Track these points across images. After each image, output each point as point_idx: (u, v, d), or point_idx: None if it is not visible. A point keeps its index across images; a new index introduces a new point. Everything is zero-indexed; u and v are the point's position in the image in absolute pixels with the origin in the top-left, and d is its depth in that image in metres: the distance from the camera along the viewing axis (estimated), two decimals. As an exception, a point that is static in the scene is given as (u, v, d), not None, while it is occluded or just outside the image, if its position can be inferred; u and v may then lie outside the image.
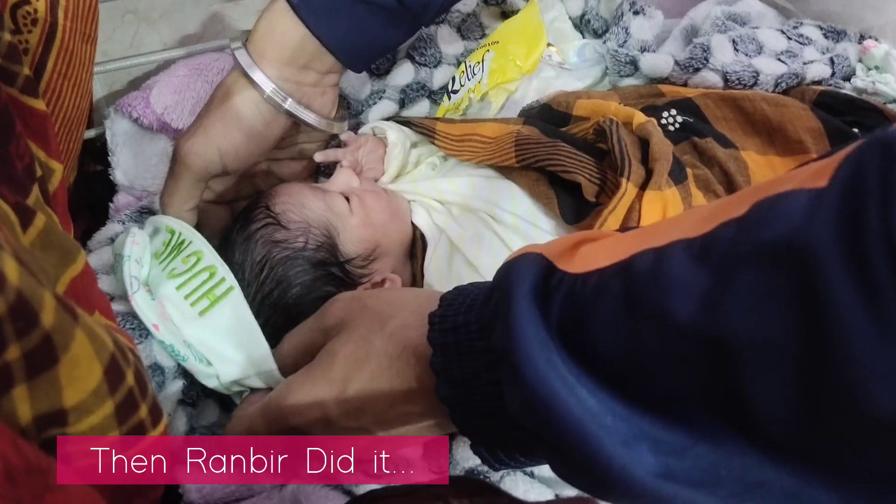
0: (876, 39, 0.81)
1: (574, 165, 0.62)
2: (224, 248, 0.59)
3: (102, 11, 0.63)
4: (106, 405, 0.29)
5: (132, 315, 0.54)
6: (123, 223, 0.62)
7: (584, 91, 0.75)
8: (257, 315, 0.54)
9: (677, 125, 0.70)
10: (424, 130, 0.69)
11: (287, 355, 0.52)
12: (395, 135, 0.68)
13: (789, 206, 0.27)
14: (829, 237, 0.25)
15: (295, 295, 0.57)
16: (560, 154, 0.62)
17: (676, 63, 0.75)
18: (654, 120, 0.66)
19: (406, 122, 0.70)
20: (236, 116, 0.59)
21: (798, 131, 0.68)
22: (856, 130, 0.70)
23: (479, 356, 0.38)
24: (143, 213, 0.63)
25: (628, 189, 0.59)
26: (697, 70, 0.74)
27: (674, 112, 0.70)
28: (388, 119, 0.74)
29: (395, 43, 0.66)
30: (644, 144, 0.64)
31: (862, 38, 0.82)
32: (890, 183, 0.24)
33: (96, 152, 0.70)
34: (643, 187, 0.60)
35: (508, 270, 0.36)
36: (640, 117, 0.65)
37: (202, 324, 0.53)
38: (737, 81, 0.73)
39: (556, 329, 0.34)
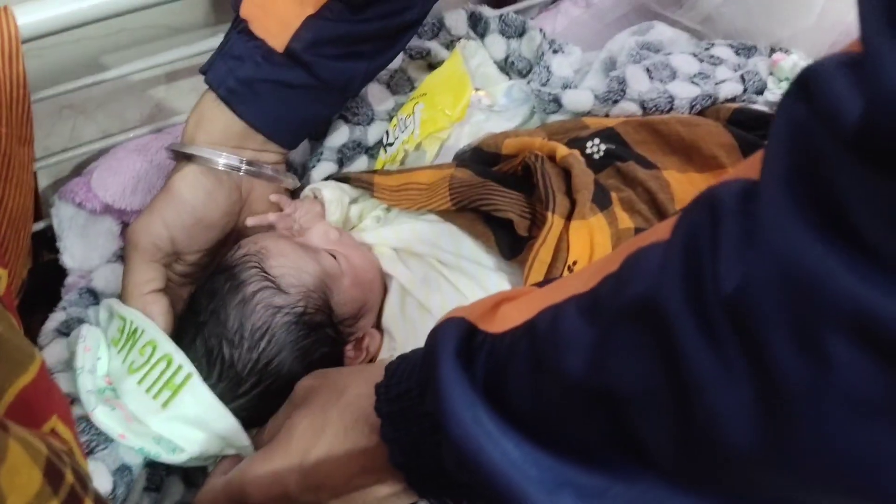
0: (786, 51, 0.85)
1: (505, 203, 0.65)
2: (202, 309, 0.58)
3: (39, 109, 0.66)
4: (51, 504, 0.31)
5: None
6: (65, 309, 0.63)
7: (512, 130, 0.78)
8: (258, 380, 0.55)
9: (601, 153, 0.73)
10: (363, 185, 0.71)
11: (269, 437, 0.52)
12: (331, 192, 0.70)
13: (646, 260, 0.30)
14: (674, 293, 0.28)
15: (296, 358, 0.57)
16: (491, 194, 0.65)
17: (596, 97, 0.78)
18: (576, 152, 0.69)
19: (345, 179, 0.73)
20: (183, 191, 0.60)
21: (711, 147, 0.71)
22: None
23: (423, 420, 0.40)
24: (83, 295, 0.64)
25: (555, 221, 0.62)
26: (616, 101, 0.78)
27: (597, 141, 0.73)
28: (331, 175, 0.77)
29: (325, 117, 0.69)
30: (568, 176, 0.67)
31: (772, 51, 0.86)
32: (715, 240, 0.27)
33: (47, 242, 0.72)
34: (570, 218, 0.63)
35: (434, 336, 0.39)
36: (562, 150, 0.68)
37: (167, 415, 0.54)
38: (654, 108, 0.77)
39: (482, 386, 0.36)
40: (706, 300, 0.27)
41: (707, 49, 0.85)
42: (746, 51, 0.86)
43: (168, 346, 0.55)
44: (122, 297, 0.60)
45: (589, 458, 0.33)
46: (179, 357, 0.55)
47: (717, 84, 0.79)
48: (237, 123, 0.62)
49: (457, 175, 0.68)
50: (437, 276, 0.65)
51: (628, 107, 0.77)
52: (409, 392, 0.41)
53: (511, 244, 0.65)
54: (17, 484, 0.29)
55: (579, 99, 0.78)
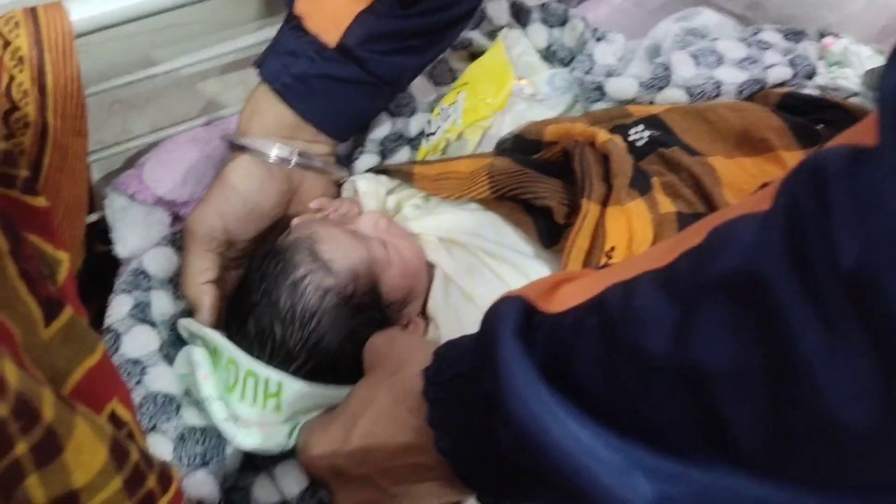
0: (836, 36, 0.84)
1: (544, 191, 0.65)
2: (254, 290, 0.59)
3: (91, 103, 0.67)
4: (115, 481, 0.32)
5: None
6: (129, 292, 0.64)
7: (554, 118, 0.78)
8: (307, 357, 0.57)
9: (645, 140, 0.72)
10: (402, 175, 0.72)
11: None
12: (366, 184, 0.71)
13: (739, 232, 0.28)
14: (778, 264, 0.26)
15: (344, 338, 0.58)
16: (530, 182, 0.65)
17: (641, 84, 0.77)
18: (616, 137, 0.68)
19: (383, 171, 0.73)
20: (235, 182, 0.63)
21: (761, 131, 0.70)
22: (821, 127, 0.72)
23: (474, 404, 0.39)
24: (137, 276, 0.65)
25: (590, 208, 0.62)
26: (661, 88, 0.77)
27: (641, 128, 0.73)
28: (371, 168, 0.77)
29: (376, 111, 0.71)
30: (608, 162, 0.66)
31: (822, 36, 0.84)
32: (826, 210, 0.25)
33: (100, 234, 0.73)
34: (607, 204, 0.63)
35: (492, 315, 0.38)
36: (602, 136, 0.68)
37: (286, 416, 0.57)
38: (701, 94, 0.76)
39: (541, 367, 0.34)
40: (818, 274, 0.25)
41: (755, 34, 0.83)
42: (795, 35, 0.84)
43: (246, 362, 0.57)
44: (180, 283, 0.63)
45: (663, 441, 0.31)
46: (261, 369, 0.56)
47: (765, 69, 0.78)
48: (290, 116, 0.64)
49: (496, 164, 0.68)
50: (481, 265, 0.65)
51: (674, 94, 0.76)
52: (459, 376, 0.40)
53: (550, 232, 0.65)
54: (81, 461, 0.30)
55: (623, 86, 0.78)
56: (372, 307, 0.60)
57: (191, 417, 0.58)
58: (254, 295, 0.59)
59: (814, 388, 0.25)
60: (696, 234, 0.31)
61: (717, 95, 0.76)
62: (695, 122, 0.73)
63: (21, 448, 0.27)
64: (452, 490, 0.46)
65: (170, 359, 0.61)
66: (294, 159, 0.64)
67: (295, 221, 0.67)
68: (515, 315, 0.37)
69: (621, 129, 0.72)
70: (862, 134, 0.25)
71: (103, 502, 0.31)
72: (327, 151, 0.68)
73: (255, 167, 0.63)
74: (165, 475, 0.35)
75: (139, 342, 0.61)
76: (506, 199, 0.66)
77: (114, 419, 0.41)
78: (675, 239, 0.33)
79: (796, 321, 0.25)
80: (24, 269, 0.35)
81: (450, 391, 0.41)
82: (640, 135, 0.72)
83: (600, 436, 0.32)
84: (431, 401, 0.41)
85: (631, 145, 0.70)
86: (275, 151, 0.63)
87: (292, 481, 0.56)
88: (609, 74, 0.80)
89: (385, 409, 0.46)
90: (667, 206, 0.65)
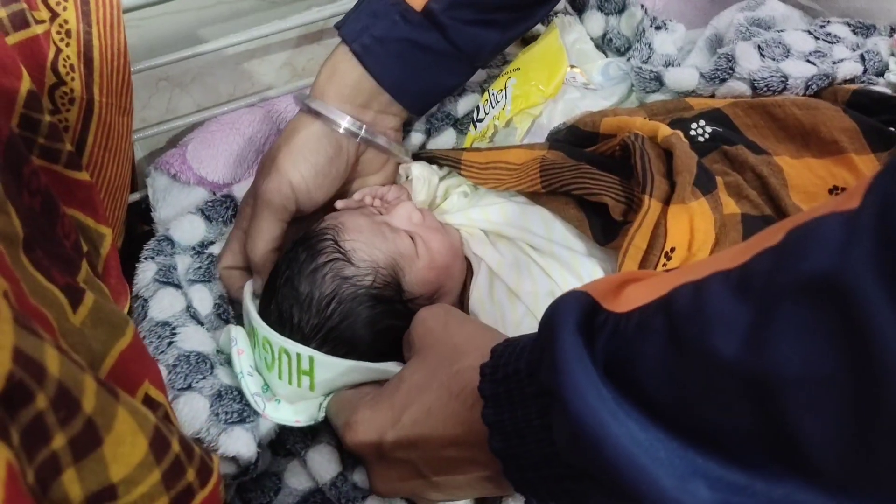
0: (908, 31, 0.79)
1: (599, 187, 0.62)
2: (280, 274, 0.60)
3: (137, 81, 0.66)
4: (153, 474, 0.30)
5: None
6: (153, 258, 0.64)
7: (611, 109, 0.75)
8: (322, 342, 0.57)
9: (707, 135, 0.69)
10: (450, 162, 0.70)
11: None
12: (420, 170, 0.69)
13: (824, 232, 0.26)
14: (867, 267, 0.25)
15: (360, 327, 0.58)
16: (584, 177, 0.62)
17: (702, 75, 0.74)
18: (679, 132, 0.65)
19: (431, 158, 0.71)
20: (308, 154, 0.62)
21: (832, 132, 0.67)
22: (893, 129, 0.68)
23: (531, 402, 0.38)
24: (162, 242, 0.65)
25: (651, 205, 0.59)
26: (724, 80, 0.73)
27: (702, 123, 0.70)
28: (417, 152, 0.75)
29: (450, 86, 0.70)
30: (670, 158, 0.63)
31: (892, 31, 0.80)
32: None
33: (142, 213, 0.73)
34: (669, 202, 0.60)
35: (553, 310, 0.37)
36: (664, 130, 0.65)
37: (320, 393, 0.57)
38: (765, 88, 0.72)
39: (603, 367, 0.33)
40: None
41: (822, 27, 0.79)
42: (864, 30, 0.80)
43: (277, 340, 0.57)
44: (248, 247, 0.63)
45: (728, 450, 0.30)
46: (291, 345, 0.56)
47: (834, 63, 0.74)
48: (366, 80, 0.63)
49: (548, 157, 0.66)
50: (528, 261, 0.63)
51: (737, 86, 0.73)
52: (516, 374, 0.39)
53: (605, 229, 0.62)
54: (120, 453, 0.28)
55: (683, 77, 0.75)
56: (392, 300, 0.60)
57: (226, 377, 0.57)
58: (280, 279, 0.59)
59: None
60: (772, 235, 0.29)
61: (783, 90, 0.73)
62: (760, 118, 0.70)
63: (59, 441, 0.25)
64: (496, 487, 0.45)
65: (197, 319, 0.61)
66: (361, 134, 0.64)
67: (339, 204, 0.66)
68: (578, 311, 0.35)
69: (680, 124, 0.69)
70: None
71: (140, 496, 0.30)
72: (396, 125, 0.68)
73: (326, 138, 0.63)
74: (205, 468, 0.34)
75: (164, 304, 0.60)
76: (558, 193, 0.64)
77: (147, 401, 0.39)
78: (749, 241, 0.31)
79: (885, 329, 0.24)
80: (35, 259, 0.33)
81: (506, 389, 0.40)
82: (701, 129, 0.69)
83: (661, 438, 0.31)
84: (487, 397, 0.40)
85: (692, 140, 0.67)
86: (345, 123, 0.63)
87: (324, 467, 0.55)
88: (668, 64, 0.77)
89: (439, 400, 0.45)
90: (731, 206, 0.62)
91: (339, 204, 0.66)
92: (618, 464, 0.31)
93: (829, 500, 0.28)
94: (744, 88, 0.73)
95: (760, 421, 0.28)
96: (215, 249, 0.66)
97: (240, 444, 0.52)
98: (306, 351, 0.56)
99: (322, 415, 0.57)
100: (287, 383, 0.57)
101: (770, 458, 0.29)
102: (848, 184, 0.65)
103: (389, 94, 0.64)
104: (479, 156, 0.69)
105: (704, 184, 0.62)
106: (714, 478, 0.30)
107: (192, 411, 0.53)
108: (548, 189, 0.63)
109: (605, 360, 0.33)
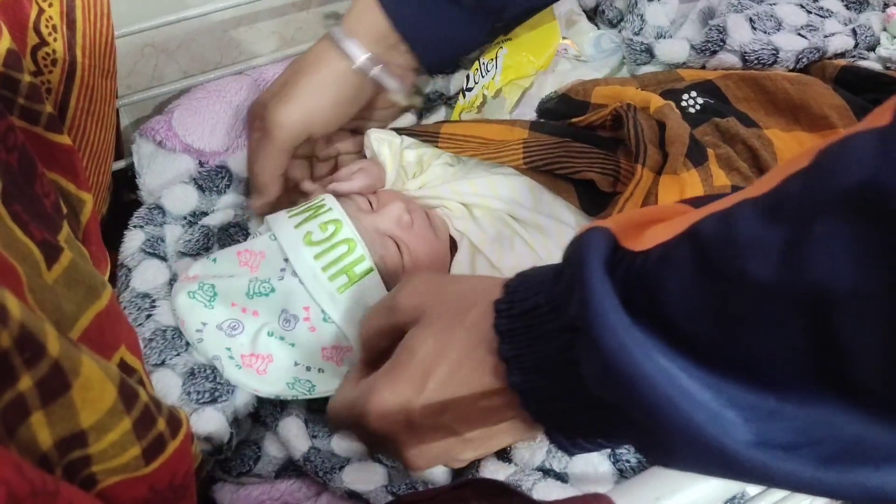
0: (901, 7, 0.79)
1: (584, 164, 0.61)
2: None
3: (122, 46, 0.65)
4: (123, 422, 0.30)
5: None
6: (142, 227, 0.63)
7: (602, 79, 0.74)
8: None
9: (698, 107, 0.69)
10: (428, 136, 0.68)
11: (369, 350, 0.51)
12: (377, 138, 0.68)
13: (857, 148, 0.26)
14: None
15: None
16: (568, 155, 0.62)
17: (692, 47, 0.74)
18: (671, 103, 0.65)
19: (409, 132, 0.69)
20: (327, 85, 0.63)
21: (822, 107, 0.67)
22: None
23: (553, 337, 0.37)
24: (153, 210, 0.64)
25: (644, 175, 0.59)
26: (714, 52, 0.73)
27: (693, 94, 0.69)
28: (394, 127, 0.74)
29: (472, 43, 0.69)
30: (662, 129, 0.63)
31: (886, 6, 0.80)
32: None
33: (128, 182, 0.72)
34: (660, 172, 0.60)
35: (579, 245, 0.36)
36: (657, 101, 0.65)
37: (340, 300, 0.55)
38: (756, 61, 0.72)
39: (622, 302, 0.33)
40: None
41: (815, 1, 0.79)
42: (858, 5, 0.80)
43: (352, 233, 0.56)
44: (251, 169, 0.64)
45: (760, 376, 0.30)
46: (362, 247, 0.56)
47: (825, 37, 0.74)
48: (384, 24, 0.63)
49: (530, 138, 0.65)
50: (511, 235, 0.63)
51: (727, 58, 0.73)
52: (536, 308, 0.38)
53: (594, 199, 0.62)
54: (89, 398, 0.28)
55: (673, 49, 0.74)
56: None
57: (200, 354, 0.56)
58: None
59: None
60: (800, 160, 0.29)
61: (773, 63, 0.72)
62: (751, 90, 0.70)
63: (25, 382, 0.25)
64: (531, 427, 0.44)
65: None
66: (373, 72, 0.64)
67: (331, 187, 0.64)
68: (604, 246, 0.35)
69: (672, 95, 0.69)
70: None
71: (112, 444, 0.30)
72: (411, 74, 0.68)
73: (349, 77, 0.63)
74: (175, 418, 0.33)
75: (148, 275, 0.60)
76: (541, 171, 0.63)
77: (123, 366, 0.39)
78: (775, 169, 0.31)
79: None
80: (14, 212, 0.33)
81: (525, 324, 0.39)
82: (693, 100, 0.69)
83: (691, 372, 0.30)
84: (503, 333, 0.39)
85: (683, 112, 0.67)
86: (361, 60, 0.63)
87: (293, 442, 0.54)
88: (659, 36, 0.77)
89: (463, 355, 0.43)
90: (722, 178, 0.62)
91: (331, 187, 0.64)
92: (650, 400, 0.31)
93: (866, 421, 0.28)
94: (734, 60, 0.73)
95: (801, 339, 0.28)
96: (209, 221, 0.65)
97: (210, 424, 0.52)
98: (370, 260, 0.55)
99: (289, 394, 0.55)
100: (320, 268, 0.55)
101: (810, 378, 0.28)
102: None
103: (403, 36, 0.63)
104: (458, 127, 0.68)
105: (695, 156, 0.62)
106: (747, 406, 0.30)
107: (164, 388, 0.53)
108: (530, 166, 0.63)
109: (624, 298, 0.33)
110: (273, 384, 0.55)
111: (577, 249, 0.36)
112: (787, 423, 0.29)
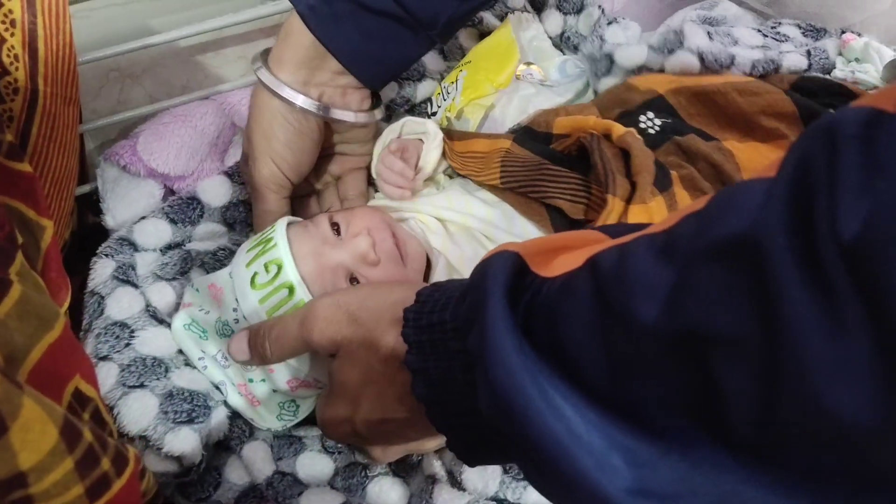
0: (858, 35, 0.81)
1: (555, 190, 0.62)
2: None
3: (87, 71, 0.66)
4: (65, 462, 0.30)
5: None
6: (111, 256, 0.63)
7: (562, 107, 0.75)
8: None
9: (657, 128, 0.69)
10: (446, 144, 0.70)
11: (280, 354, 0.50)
12: (434, 126, 0.69)
13: (743, 198, 0.26)
14: (777, 231, 0.24)
15: None
16: (542, 179, 0.63)
17: (651, 47, 0.75)
18: (633, 130, 0.66)
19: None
20: (276, 129, 0.63)
21: (770, 120, 0.67)
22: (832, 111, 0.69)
23: (455, 356, 0.38)
24: (122, 243, 0.64)
25: (615, 205, 0.59)
26: (672, 51, 0.74)
27: (650, 115, 0.70)
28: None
29: (405, 57, 0.67)
30: (626, 156, 0.64)
31: (843, 33, 0.81)
32: (834, 172, 0.23)
33: (93, 205, 0.72)
34: (629, 201, 0.61)
35: (485, 270, 0.36)
36: (618, 129, 0.65)
37: None
38: (714, 61, 0.72)
39: (524, 331, 0.33)
40: (817, 241, 0.23)
41: (774, 27, 0.80)
42: (815, 32, 0.81)
43: (292, 276, 0.55)
44: (258, 229, 0.65)
45: (644, 421, 0.30)
46: (302, 292, 0.55)
47: (780, 53, 0.75)
48: (315, 45, 0.61)
49: (512, 150, 0.66)
50: (484, 253, 0.64)
51: (686, 58, 0.73)
52: (442, 324, 0.38)
53: (570, 223, 0.63)
54: (28, 440, 0.28)
55: (632, 52, 0.75)
56: None
57: (179, 380, 0.57)
58: None
59: (803, 363, 0.24)
60: (702, 201, 0.29)
61: (730, 65, 0.73)
62: (703, 106, 0.70)
63: (-40, 427, 0.25)
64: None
65: (156, 317, 0.60)
66: (313, 111, 0.63)
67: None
68: (508, 273, 0.35)
69: (630, 117, 0.70)
70: (885, 99, 0.23)
71: (54, 484, 0.30)
72: (356, 86, 0.65)
73: (289, 114, 0.63)
74: (121, 457, 0.34)
75: (124, 303, 0.60)
76: (517, 192, 0.64)
77: (77, 395, 0.39)
78: (682, 208, 0.32)
79: (791, 292, 0.24)
80: None
81: (430, 338, 0.39)
82: (651, 122, 0.70)
83: (581, 411, 0.30)
84: (410, 343, 0.39)
85: (643, 134, 0.68)
86: (299, 102, 0.62)
87: (258, 466, 0.55)
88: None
89: (382, 391, 0.44)
90: (686, 201, 0.63)
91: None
92: (539, 438, 0.30)
93: (739, 466, 0.28)
94: (692, 60, 0.73)
95: (680, 382, 0.28)
96: (196, 247, 0.66)
97: (185, 444, 0.52)
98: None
99: (279, 425, 0.58)
100: (265, 313, 0.55)
101: (688, 423, 0.29)
102: None
103: (336, 58, 0.61)
104: (458, 145, 0.69)
105: (661, 181, 0.63)
106: (632, 451, 0.30)
107: (141, 408, 0.53)
108: (505, 185, 0.63)
109: (526, 324, 0.33)
110: (265, 418, 0.58)
111: (482, 274, 0.36)
112: (669, 471, 0.29)
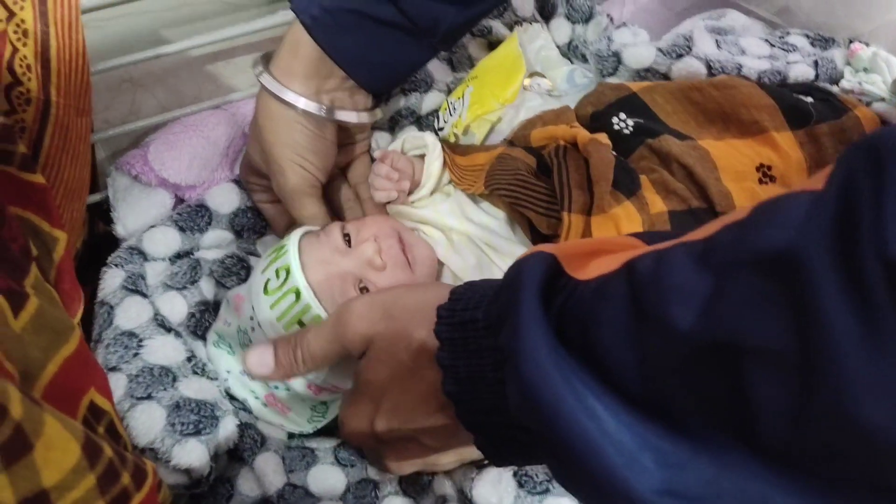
0: (866, 44, 0.81)
1: (529, 200, 0.62)
2: None
3: (100, 81, 0.66)
4: (87, 479, 0.30)
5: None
6: (121, 266, 0.63)
7: (539, 118, 0.74)
8: None
9: (630, 129, 0.69)
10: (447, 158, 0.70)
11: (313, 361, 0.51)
12: (433, 138, 0.70)
13: (788, 209, 0.27)
14: (821, 246, 0.25)
15: None
16: (518, 185, 0.62)
17: (659, 50, 0.74)
18: (599, 136, 0.65)
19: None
20: (295, 135, 0.64)
21: (751, 112, 0.67)
22: (809, 99, 0.69)
23: (485, 354, 0.38)
24: (132, 253, 0.64)
25: (572, 221, 0.59)
26: (680, 56, 0.74)
27: (623, 116, 0.70)
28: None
29: (409, 64, 0.68)
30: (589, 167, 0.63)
31: (851, 42, 0.81)
32: (880, 191, 0.23)
33: (104, 214, 0.72)
34: (591, 212, 0.60)
35: (519, 269, 0.36)
36: (583, 137, 0.65)
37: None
38: (720, 70, 0.73)
39: (556, 332, 0.33)
40: (861, 258, 0.23)
41: (781, 37, 0.81)
42: (823, 42, 0.81)
43: (299, 280, 0.56)
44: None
45: (675, 423, 0.30)
46: (308, 296, 0.55)
47: (787, 63, 0.75)
48: (319, 55, 0.62)
49: (505, 152, 0.66)
50: (490, 264, 0.64)
51: (693, 64, 0.73)
52: (474, 322, 0.39)
53: (541, 238, 0.63)
54: (51, 458, 0.28)
55: (640, 52, 0.75)
56: None
57: (187, 389, 0.57)
58: None
59: (840, 378, 0.24)
60: (741, 212, 0.30)
61: (737, 75, 0.72)
62: (679, 103, 0.70)
63: (-13, 447, 0.25)
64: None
65: (165, 327, 0.60)
66: (319, 114, 0.64)
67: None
68: (543, 274, 0.35)
69: (602, 118, 0.69)
70: None
71: (75, 502, 0.30)
72: (362, 94, 0.67)
73: (307, 122, 0.63)
74: (140, 471, 0.34)
75: (132, 313, 0.60)
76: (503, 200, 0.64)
77: (92, 409, 0.39)
78: (723, 216, 0.31)
79: (830, 305, 0.24)
80: None
81: (462, 336, 0.39)
82: (623, 123, 0.69)
83: (613, 410, 0.31)
84: (442, 340, 0.40)
85: (616, 135, 0.68)
86: (301, 105, 0.63)
87: (270, 477, 0.56)
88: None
89: (409, 389, 0.44)
90: (658, 205, 0.62)
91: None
92: (569, 435, 0.31)
93: (767, 473, 0.28)
94: (699, 67, 0.73)
95: (712, 388, 0.28)
96: (205, 255, 0.66)
97: (193, 456, 0.52)
98: (317, 307, 0.55)
99: (309, 427, 0.59)
100: (275, 319, 0.56)
101: (718, 429, 0.29)
102: (773, 161, 0.66)
103: (339, 67, 0.62)
104: (461, 160, 0.70)
105: (627, 185, 0.62)
106: (662, 452, 0.30)
107: (149, 420, 0.53)
108: (489, 190, 0.63)
109: (559, 325, 0.33)
110: (297, 422, 0.59)
111: (517, 273, 0.36)
112: (698, 474, 0.30)
